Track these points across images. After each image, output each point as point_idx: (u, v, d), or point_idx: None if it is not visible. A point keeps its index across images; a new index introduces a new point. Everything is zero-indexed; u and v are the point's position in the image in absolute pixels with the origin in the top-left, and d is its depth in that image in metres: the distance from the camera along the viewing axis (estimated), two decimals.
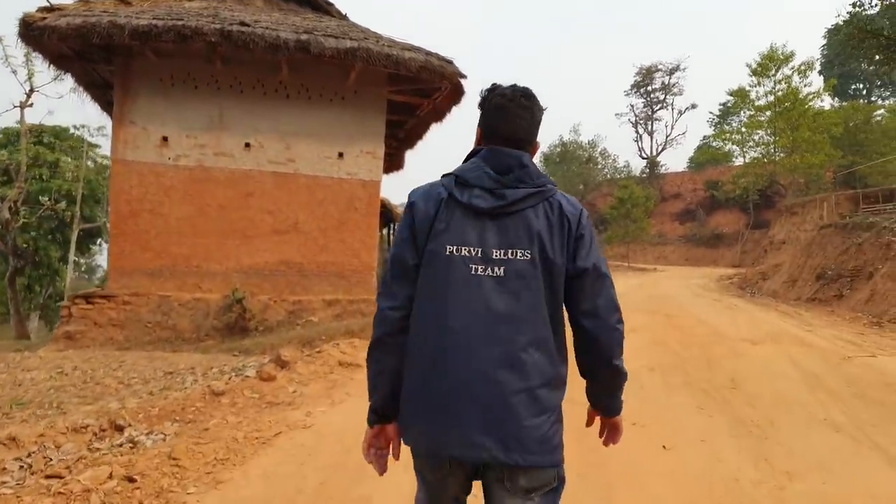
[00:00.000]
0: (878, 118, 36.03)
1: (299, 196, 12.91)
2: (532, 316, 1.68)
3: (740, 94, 37.32)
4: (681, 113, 59.19)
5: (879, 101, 43.41)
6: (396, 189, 45.02)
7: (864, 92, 46.01)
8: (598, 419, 2.06)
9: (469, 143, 2.02)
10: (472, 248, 1.68)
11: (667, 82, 58.72)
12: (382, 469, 1.95)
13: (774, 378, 7.04)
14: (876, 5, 16.94)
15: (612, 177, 58.06)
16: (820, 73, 43.06)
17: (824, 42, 45.73)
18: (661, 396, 6.36)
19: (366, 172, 13.21)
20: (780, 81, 33.69)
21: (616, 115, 67.41)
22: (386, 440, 1.90)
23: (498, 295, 1.67)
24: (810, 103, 32.88)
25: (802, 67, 33.17)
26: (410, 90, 13.69)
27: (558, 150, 62.56)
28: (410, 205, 1.79)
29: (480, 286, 1.67)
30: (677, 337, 10.29)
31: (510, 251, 1.68)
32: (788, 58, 33.11)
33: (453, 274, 1.68)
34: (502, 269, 1.67)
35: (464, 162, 1.83)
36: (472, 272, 1.68)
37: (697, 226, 49.40)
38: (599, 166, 61.12)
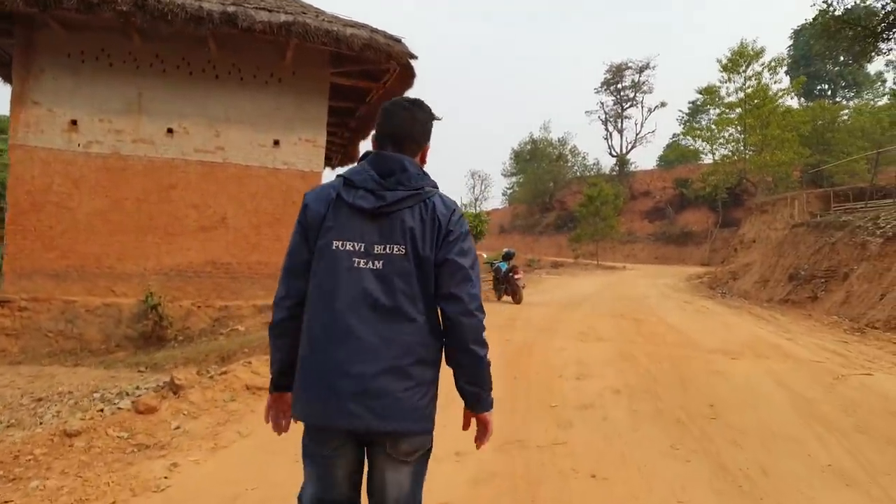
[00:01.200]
0: (845, 118, 35.70)
1: (229, 188, 11.55)
2: (405, 302, 1.89)
3: (710, 92, 36.73)
4: (650, 111, 58.65)
5: (844, 102, 43.26)
6: None
7: (829, 93, 45.89)
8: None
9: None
10: (355, 244, 1.90)
11: (637, 80, 58.32)
12: (280, 429, 2.16)
13: (760, 403, 5.94)
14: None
15: (582, 174, 57.45)
16: (787, 73, 42.74)
17: (790, 43, 45.51)
18: (628, 431, 5.20)
19: (305, 162, 11.89)
20: (750, 78, 33.10)
21: (586, 112, 66.67)
22: (284, 406, 2.11)
23: (376, 284, 1.88)
24: (780, 100, 32.34)
25: (773, 64, 32.61)
26: (357, 72, 12.42)
27: (528, 147, 61.82)
28: (305, 206, 2.01)
29: (362, 277, 1.88)
30: (646, 349, 9.20)
31: (388, 246, 1.90)
32: (759, 54, 32.53)
33: (339, 266, 1.89)
34: (381, 262, 1.89)
35: (357, 163, 2.06)
36: (356, 265, 1.89)
37: (667, 224, 48.92)
38: (569, 164, 60.52)
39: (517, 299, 16.15)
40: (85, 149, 10.94)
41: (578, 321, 12.76)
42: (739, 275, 22.99)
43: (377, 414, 1.82)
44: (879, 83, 44.47)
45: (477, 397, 2.03)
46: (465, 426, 2.14)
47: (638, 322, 12.72)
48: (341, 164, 20.04)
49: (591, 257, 39.48)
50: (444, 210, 1.94)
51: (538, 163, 59.32)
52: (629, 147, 59.44)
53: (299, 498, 2.05)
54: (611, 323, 12.51)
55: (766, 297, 18.10)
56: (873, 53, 16.05)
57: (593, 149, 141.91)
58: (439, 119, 2.14)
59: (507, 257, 17.30)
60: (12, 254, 10.59)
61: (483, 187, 77.70)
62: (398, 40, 11.13)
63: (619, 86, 59.37)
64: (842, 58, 44.18)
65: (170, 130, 11.33)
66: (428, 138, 2.09)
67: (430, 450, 2.02)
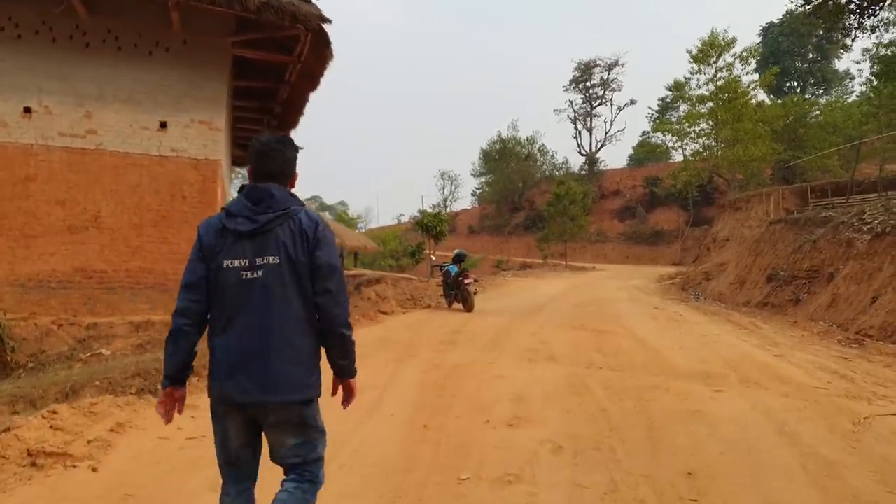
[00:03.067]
0: (817, 113, 34.50)
1: (104, 180, 9.46)
2: (283, 302, 2.39)
3: (679, 87, 35.27)
4: (620, 109, 57.34)
5: (814, 98, 42.25)
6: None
7: (798, 90, 44.90)
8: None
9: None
10: (241, 260, 2.39)
11: (605, 78, 57.07)
12: (169, 419, 2.57)
13: (760, 472, 4.09)
14: None
15: (552, 174, 55.98)
16: (756, 70, 41.69)
17: (759, 40, 44.44)
18: None
19: (199, 148, 9.86)
20: (721, 69, 31.71)
21: (555, 111, 65.36)
22: (174, 399, 2.54)
23: (260, 290, 2.38)
24: (752, 93, 30.99)
25: (745, 55, 31.25)
26: (265, 43, 10.43)
27: (497, 146, 60.20)
28: (199, 237, 2.49)
29: (249, 285, 2.38)
30: (606, 375, 7.38)
31: (265, 258, 2.39)
32: (730, 44, 31.14)
33: (230, 279, 2.39)
34: (261, 271, 2.39)
35: (236, 195, 2.56)
36: (243, 277, 2.39)
37: (637, 223, 47.58)
38: (539, 163, 59.04)
39: (468, 307, 14.32)
40: None
41: (531, 334, 10.96)
42: (713, 275, 21.41)
43: (262, 389, 2.36)
44: (848, 80, 43.61)
45: (345, 368, 2.59)
46: (334, 392, 2.67)
47: (600, 335, 10.94)
48: None
49: (561, 258, 37.83)
50: (310, 223, 2.48)
51: (507, 162, 57.68)
52: (599, 146, 58.18)
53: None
54: (568, 336, 10.73)
55: (743, 300, 16.46)
56: (857, 31, 14.51)
57: (563, 148, 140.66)
58: (302, 149, 2.97)
59: (458, 259, 15.42)
60: None
61: (453, 187, 76.02)
62: (307, 0, 9.16)
63: (588, 84, 58.09)
64: (811, 55, 43.46)
65: (27, 110, 9.23)
66: (294, 169, 2.64)
67: (308, 417, 2.51)
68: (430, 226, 29.67)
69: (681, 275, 25.89)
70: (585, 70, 57.27)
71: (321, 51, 10.19)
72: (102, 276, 9.34)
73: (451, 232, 64.96)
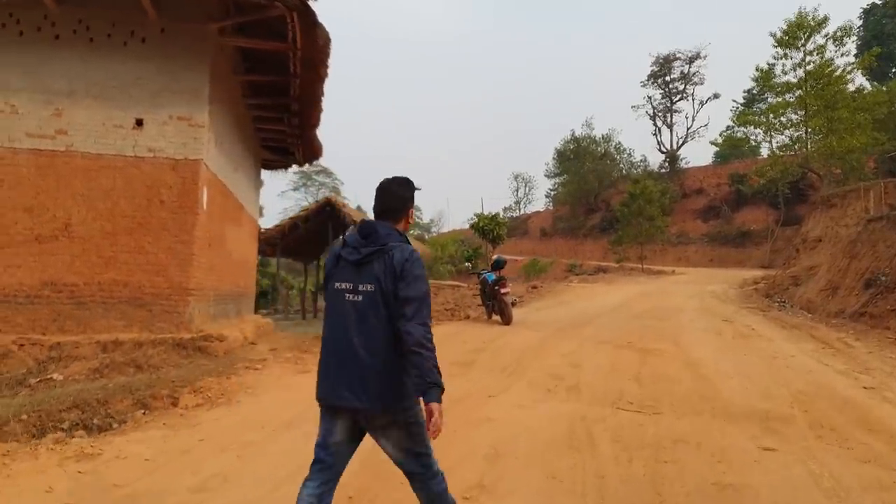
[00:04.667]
0: None
1: (74, 185, 8.62)
2: (377, 323, 2.73)
3: (766, 78, 32.04)
4: (702, 103, 53.88)
5: None
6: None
7: None
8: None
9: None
10: (347, 284, 2.80)
11: (686, 71, 53.81)
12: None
13: None
14: None
15: (629, 172, 53.22)
16: (856, 54, 37.66)
17: (860, 24, 40.32)
18: None
19: (178, 147, 8.87)
20: (811, 52, 28.55)
21: (632, 107, 62.08)
22: None
23: (359, 311, 2.75)
24: (848, 76, 27.68)
25: (839, 34, 28.00)
26: (255, 28, 9.40)
27: (571, 145, 57.99)
28: (326, 261, 2.99)
29: (352, 306, 2.77)
30: (624, 420, 5.80)
31: (364, 285, 2.76)
32: (821, 24, 27.97)
33: (338, 299, 2.81)
34: (360, 296, 2.76)
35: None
36: (347, 298, 2.79)
37: (722, 223, 44.22)
38: (616, 162, 56.37)
39: (506, 319, 12.82)
40: None
41: (564, 355, 9.43)
42: (802, 280, 18.87)
43: (358, 397, 2.70)
44: None
45: (426, 390, 2.64)
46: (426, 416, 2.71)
47: (645, 356, 9.28)
48: (307, 160, 16.97)
49: (638, 261, 35.38)
50: (400, 258, 2.76)
51: (582, 162, 55.28)
52: (680, 142, 54.87)
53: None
54: (607, 358, 9.14)
55: (835, 310, 14.11)
56: None
57: (641, 145, 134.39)
58: (419, 189, 3.10)
59: (497, 266, 13.91)
60: None
61: (527, 189, 74.10)
62: None
63: (668, 78, 54.91)
64: None
65: None
66: (408, 205, 3.02)
67: (408, 420, 2.80)
68: (487, 229, 28.15)
69: (767, 279, 23.26)
70: (664, 64, 54.19)
71: (312, 34, 9.00)
72: (73, 289, 8.50)
73: (522, 235, 63.32)
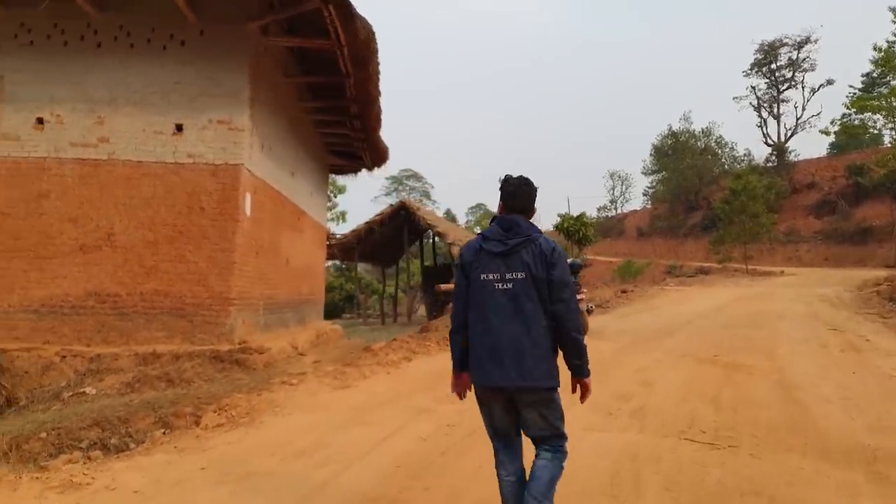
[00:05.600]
0: None
1: (116, 194, 8.50)
2: (530, 308, 2.96)
3: (886, 57, 28.87)
4: (814, 91, 49.61)
5: None
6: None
7: None
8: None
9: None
10: (494, 274, 3.01)
11: (795, 58, 49.70)
12: (463, 397, 3.29)
13: None
14: None
15: (731, 167, 49.92)
16: None
17: None
18: None
19: (218, 152, 8.58)
20: None
21: (734, 98, 58.22)
22: (462, 382, 3.24)
23: (511, 299, 2.98)
24: None
25: None
26: (299, 25, 9.00)
27: (669, 141, 55.24)
28: (461, 255, 3.22)
29: (503, 294, 2.99)
30: (686, 457, 4.85)
31: (513, 273, 2.99)
32: None
33: (486, 289, 3.03)
34: (510, 284, 2.99)
35: (489, 225, 3.21)
36: (496, 287, 3.01)
37: (839, 219, 40.33)
38: (718, 156, 53.10)
39: (582, 329, 11.78)
40: None
41: (636, 371, 8.47)
42: None
43: (521, 377, 2.93)
44: None
45: (580, 369, 3.06)
46: (573, 390, 3.14)
47: (731, 373, 8.17)
48: (375, 164, 16.56)
49: (742, 262, 32.87)
50: (547, 247, 3.04)
51: (680, 158, 52.44)
52: (788, 134, 50.91)
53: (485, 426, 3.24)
54: (684, 375, 8.12)
55: None
56: None
57: (745, 139, 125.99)
58: (538, 188, 3.34)
59: (572, 270, 12.88)
60: None
61: (624, 188, 71.41)
62: None
63: (773, 66, 51.05)
64: None
65: (40, 121, 8.54)
66: (534, 203, 3.28)
67: (553, 398, 3.04)
68: (572, 230, 26.86)
69: (891, 280, 20.75)
70: (769, 51, 50.38)
71: (352, 27, 8.48)
72: (116, 300, 8.37)
73: (618, 235, 60.90)
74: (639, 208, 66.06)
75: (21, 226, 8.41)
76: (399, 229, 25.01)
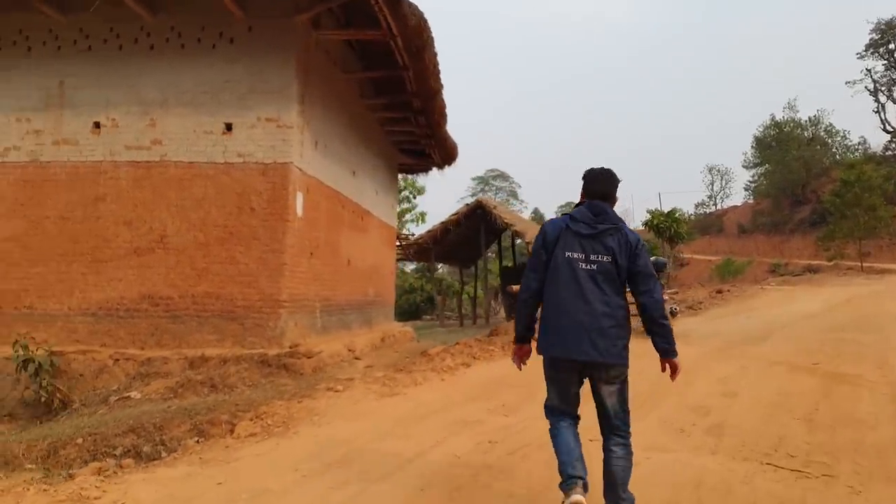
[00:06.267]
0: None
1: (168, 195, 8.44)
2: (610, 289, 3.16)
3: None
4: None
5: None
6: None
7: None
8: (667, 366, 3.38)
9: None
10: (578, 254, 3.19)
11: None
12: (521, 366, 3.58)
13: None
14: None
15: (844, 157, 46.13)
16: None
17: None
18: None
19: (267, 151, 8.35)
20: None
21: (847, 83, 53.66)
22: (525, 352, 3.52)
23: (594, 278, 3.16)
24: None
25: None
26: (342, 13, 8.68)
27: (772, 132, 51.77)
28: (543, 230, 3.38)
29: (586, 273, 3.17)
30: (762, 490, 4.07)
31: (598, 256, 3.18)
32: None
33: (570, 266, 3.18)
34: (594, 265, 3.17)
35: (574, 208, 3.41)
36: (581, 266, 3.18)
37: None
38: (827, 146, 49.24)
39: None
40: (1, 157, 8.67)
41: (719, 380, 7.69)
42: None
43: (599, 352, 3.10)
44: None
45: (668, 350, 3.26)
46: (663, 369, 3.38)
47: (832, 384, 7.24)
48: (445, 162, 16.04)
49: (860, 258, 30.11)
50: (632, 238, 3.25)
51: (785, 149, 48.96)
52: None
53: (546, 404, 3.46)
54: (775, 386, 7.34)
55: None
56: None
57: (859, 126, 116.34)
58: (621, 180, 3.52)
59: (656, 268, 11.88)
60: None
61: (723, 182, 67.64)
62: None
63: (893, 46, 46.72)
64: None
65: (97, 125, 8.60)
66: (616, 192, 3.44)
67: (626, 380, 3.29)
68: (662, 227, 25.39)
69: None
70: (887, 30, 46.12)
71: (400, 13, 8.03)
72: (168, 302, 8.30)
73: (717, 232, 57.56)
74: (739, 204, 62.09)
75: (79, 229, 8.50)
76: (476, 229, 24.47)
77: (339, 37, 9.53)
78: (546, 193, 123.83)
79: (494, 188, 67.04)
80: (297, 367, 7.72)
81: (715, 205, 66.84)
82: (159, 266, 8.34)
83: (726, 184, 67.25)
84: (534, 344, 3.46)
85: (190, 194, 8.38)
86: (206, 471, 4.95)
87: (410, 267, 41.52)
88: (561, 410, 3.36)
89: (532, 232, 23.87)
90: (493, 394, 7.11)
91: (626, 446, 3.29)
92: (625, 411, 3.29)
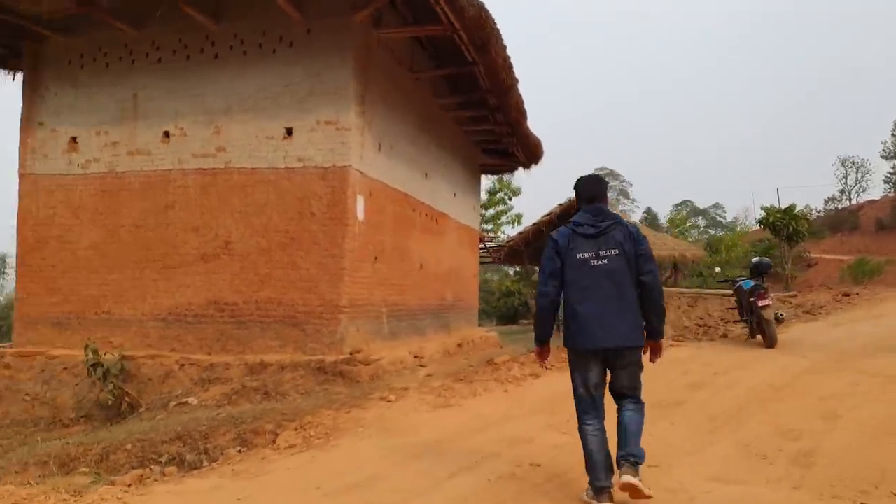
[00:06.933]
0: None
1: (232, 201, 8.48)
2: (623, 281, 3.53)
3: None
4: None
5: None
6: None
7: None
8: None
9: None
10: (590, 252, 3.57)
11: None
12: (543, 366, 4.24)
13: None
14: None
15: None
16: None
17: None
18: None
19: (326, 154, 8.21)
20: None
21: None
22: (545, 352, 3.92)
23: (606, 273, 3.53)
24: None
25: None
26: (408, 11, 8.45)
27: None
28: (555, 241, 3.70)
29: (599, 269, 3.55)
30: None
31: (607, 251, 3.56)
32: None
33: (585, 266, 3.56)
34: (605, 260, 3.54)
35: (574, 216, 3.82)
36: (593, 264, 3.55)
37: None
38: None
39: (768, 340, 9.86)
40: (84, 169, 9.04)
41: (823, 398, 6.94)
42: None
43: (619, 339, 3.51)
44: None
45: (657, 330, 3.68)
46: (645, 351, 3.72)
47: None
48: (529, 160, 15.39)
49: None
50: (633, 230, 3.65)
51: None
52: None
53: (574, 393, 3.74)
54: (890, 407, 6.20)
55: None
56: None
57: None
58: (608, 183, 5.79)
59: (757, 272, 10.84)
60: (21, 300, 9.16)
61: (859, 175, 62.08)
62: None
63: None
64: None
65: (167, 134, 8.79)
66: (606, 192, 3.96)
67: (640, 359, 3.68)
68: (779, 225, 23.37)
69: None
70: None
71: (458, 5, 7.65)
72: (233, 308, 8.33)
73: (851, 229, 52.75)
74: (878, 197, 56.61)
75: (151, 236, 8.72)
76: None
77: (401, 34, 9.25)
78: (658, 193, 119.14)
79: None
80: (353, 375, 7.49)
81: (849, 199, 61.36)
82: (224, 272, 8.40)
83: (862, 176, 61.60)
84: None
85: (253, 200, 8.38)
86: (234, 484, 4.77)
87: (512, 270, 40.88)
88: (588, 402, 3.65)
89: None
90: (557, 408, 6.53)
91: (637, 405, 3.67)
92: (635, 387, 3.67)
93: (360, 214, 8.45)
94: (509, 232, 31.13)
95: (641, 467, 3.60)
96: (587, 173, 4.04)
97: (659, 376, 8.28)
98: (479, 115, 12.39)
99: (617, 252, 3.54)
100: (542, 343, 3.87)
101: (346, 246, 8.11)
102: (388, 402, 6.85)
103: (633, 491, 3.45)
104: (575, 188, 3.88)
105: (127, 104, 8.92)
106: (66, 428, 7.82)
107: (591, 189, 3.80)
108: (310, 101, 8.28)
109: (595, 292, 3.53)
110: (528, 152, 14.46)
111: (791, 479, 4.20)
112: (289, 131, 8.37)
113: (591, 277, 3.54)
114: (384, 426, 6.15)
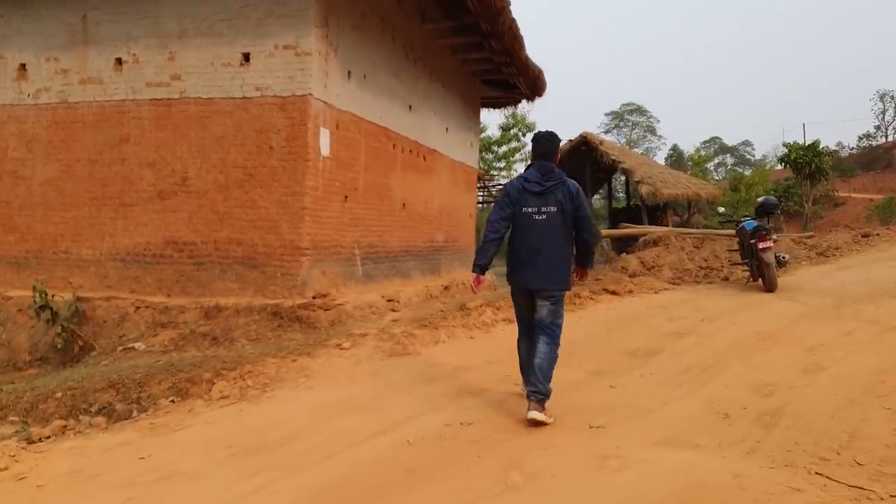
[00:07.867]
0: None
1: (189, 135, 7.90)
2: (557, 234, 4.16)
3: None
4: None
5: None
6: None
7: None
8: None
9: None
10: (532, 208, 4.16)
11: None
12: (477, 292, 4.69)
13: None
14: None
15: None
16: None
17: None
18: None
19: (285, 82, 7.54)
20: None
21: None
22: (481, 281, 4.44)
23: (543, 226, 4.15)
24: None
25: None
26: None
27: None
28: (507, 190, 4.34)
29: (539, 223, 4.16)
30: None
31: (548, 207, 4.14)
32: None
33: (528, 219, 4.18)
34: (545, 216, 4.15)
35: (525, 170, 4.44)
36: (534, 218, 4.17)
37: None
38: None
39: (767, 284, 9.28)
40: (35, 99, 8.49)
41: (810, 348, 6.70)
42: None
43: (547, 281, 4.18)
44: None
45: (586, 264, 4.50)
46: (576, 277, 4.55)
47: None
48: (533, 93, 14.29)
49: None
50: (574, 189, 4.18)
51: None
52: None
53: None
54: (878, 359, 5.83)
55: None
56: None
57: None
58: (562, 141, 5.82)
59: (762, 212, 10.11)
60: None
61: None
62: None
63: None
64: None
65: (119, 61, 8.16)
66: (558, 151, 4.49)
67: (561, 299, 4.33)
68: (801, 162, 22.23)
69: None
70: None
71: None
72: (192, 248, 7.88)
73: (884, 168, 50.60)
74: None
75: (106, 172, 8.22)
76: (581, 168, 22.72)
77: None
78: (687, 127, 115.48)
79: (630, 123, 63.28)
80: (311, 320, 7.05)
81: (885, 136, 58.81)
82: (182, 210, 7.91)
83: None
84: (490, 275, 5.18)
85: (210, 133, 7.80)
86: (145, 440, 4.39)
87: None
88: (522, 326, 4.57)
89: (643, 170, 21.89)
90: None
91: (551, 343, 4.22)
92: (554, 323, 4.28)
93: (325, 149, 7.83)
94: (521, 170, 30.27)
95: (584, 424, 4.07)
96: (545, 130, 4.49)
97: (642, 322, 7.78)
98: (472, 41, 11.49)
99: (556, 209, 4.16)
100: (481, 271, 4.38)
101: (307, 183, 7.53)
102: (342, 349, 6.40)
103: (538, 425, 3.99)
104: (531, 141, 4.45)
105: (76, 28, 8.27)
106: (19, 371, 7.54)
107: (543, 147, 4.36)
108: (268, 23, 7.57)
109: (532, 241, 4.20)
110: (530, 83, 13.52)
111: (747, 443, 3.72)
112: (246, 57, 7.70)
113: (531, 228, 4.19)
114: (328, 376, 5.73)
